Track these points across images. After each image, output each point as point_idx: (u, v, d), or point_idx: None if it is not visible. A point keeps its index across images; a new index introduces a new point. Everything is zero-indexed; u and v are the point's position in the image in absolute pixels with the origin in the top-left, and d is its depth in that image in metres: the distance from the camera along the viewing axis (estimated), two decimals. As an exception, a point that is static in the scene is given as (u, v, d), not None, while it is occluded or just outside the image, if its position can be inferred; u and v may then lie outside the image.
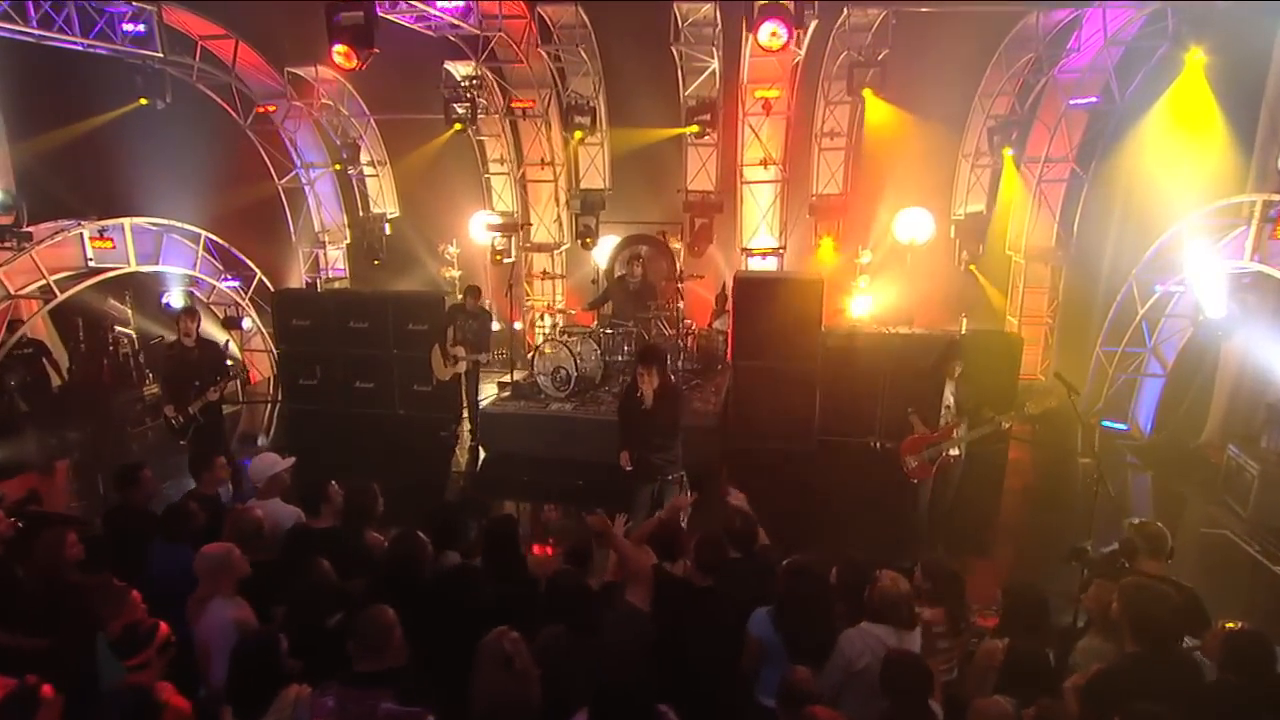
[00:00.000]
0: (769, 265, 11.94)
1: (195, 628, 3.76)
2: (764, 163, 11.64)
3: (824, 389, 9.15)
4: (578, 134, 12.35)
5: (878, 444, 9.04)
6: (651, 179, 12.72)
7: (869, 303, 12.09)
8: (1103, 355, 10.25)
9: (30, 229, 9.51)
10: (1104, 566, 4.12)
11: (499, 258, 13.53)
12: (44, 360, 10.86)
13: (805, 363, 9.00)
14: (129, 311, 11.90)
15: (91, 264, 10.61)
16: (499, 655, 3.23)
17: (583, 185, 13.26)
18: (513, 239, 13.55)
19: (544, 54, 12.14)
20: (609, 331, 10.09)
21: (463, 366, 9.61)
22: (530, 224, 13.54)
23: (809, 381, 9.10)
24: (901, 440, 6.72)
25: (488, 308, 10.30)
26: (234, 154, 12.76)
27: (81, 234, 10.43)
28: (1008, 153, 11.34)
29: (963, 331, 9.59)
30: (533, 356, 9.96)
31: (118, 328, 12.33)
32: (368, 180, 14.05)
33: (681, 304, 10.17)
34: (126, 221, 10.86)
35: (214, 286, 12.27)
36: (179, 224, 11.56)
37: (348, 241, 14.39)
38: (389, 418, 10.37)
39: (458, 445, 9.92)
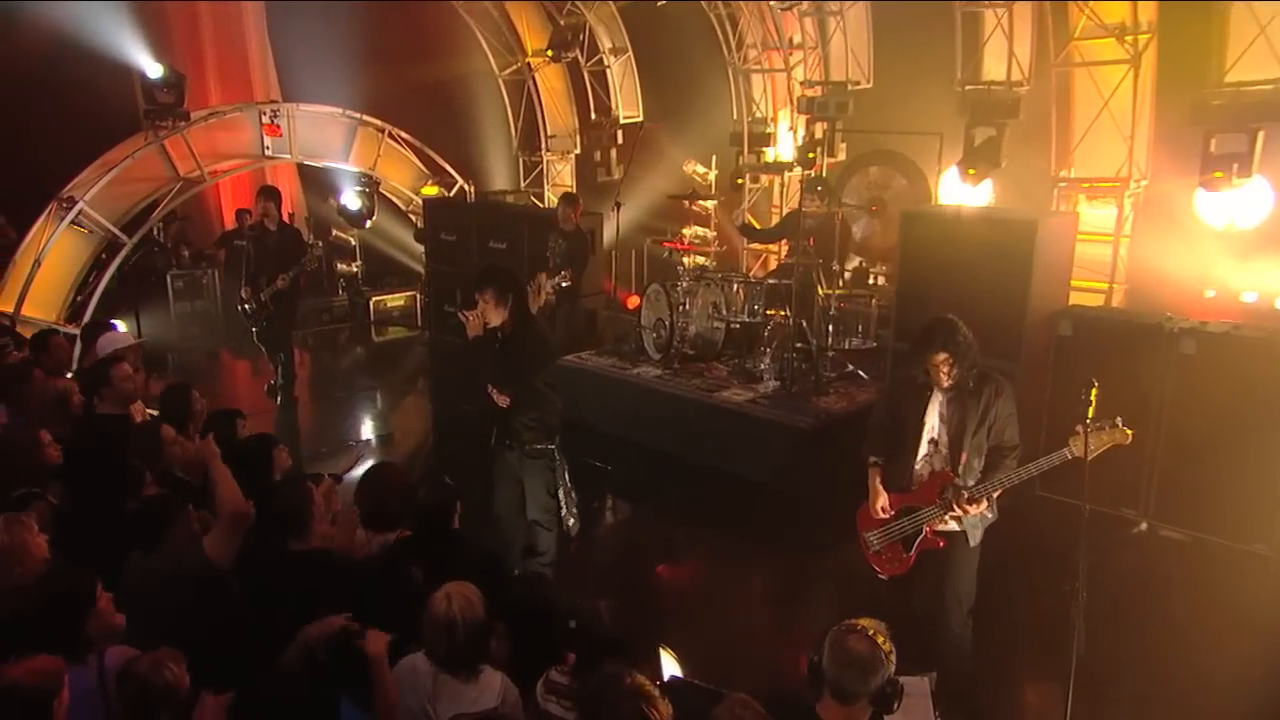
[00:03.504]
0: (1107, 212, 9.09)
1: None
2: (1120, 31, 8.64)
3: (1051, 408, 6.49)
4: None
5: (1145, 524, 6.40)
6: (917, 69, 10.27)
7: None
8: None
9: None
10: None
11: (740, 180, 12.31)
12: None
13: (999, 361, 6.35)
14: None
15: (268, 153, 11.56)
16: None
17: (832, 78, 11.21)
18: (738, 154, 12.16)
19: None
20: (751, 282, 8.68)
21: (544, 297, 9.08)
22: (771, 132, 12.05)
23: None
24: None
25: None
26: (438, 37, 13.09)
27: (258, 115, 11.37)
28: None
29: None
30: (642, 302, 9.01)
31: (336, 232, 13.59)
32: (606, 74, 13.44)
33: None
34: (297, 109, 11.70)
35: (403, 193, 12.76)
36: (358, 115, 12.09)
37: (577, 151, 14.09)
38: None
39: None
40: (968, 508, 4.32)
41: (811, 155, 10.73)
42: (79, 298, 9.94)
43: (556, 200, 9.74)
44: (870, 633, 3.01)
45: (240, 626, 3.68)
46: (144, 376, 6.11)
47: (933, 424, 4.51)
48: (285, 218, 10.13)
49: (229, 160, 11.37)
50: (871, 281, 9.20)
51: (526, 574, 5.44)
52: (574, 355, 8.99)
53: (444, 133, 13.07)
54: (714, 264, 9.52)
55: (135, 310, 9.69)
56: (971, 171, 9.53)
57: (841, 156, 10.85)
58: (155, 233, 11.30)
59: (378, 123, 12.34)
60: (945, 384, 4.43)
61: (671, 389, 8.06)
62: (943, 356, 4.35)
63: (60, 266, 9.79)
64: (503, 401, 5.46)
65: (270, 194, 8.94)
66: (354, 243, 13.54)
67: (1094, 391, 3.82)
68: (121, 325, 7.25)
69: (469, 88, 13.64)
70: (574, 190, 13.39)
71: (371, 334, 12.73)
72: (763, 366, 8.16)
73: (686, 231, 10.60)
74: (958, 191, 9.57)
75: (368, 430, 9.09)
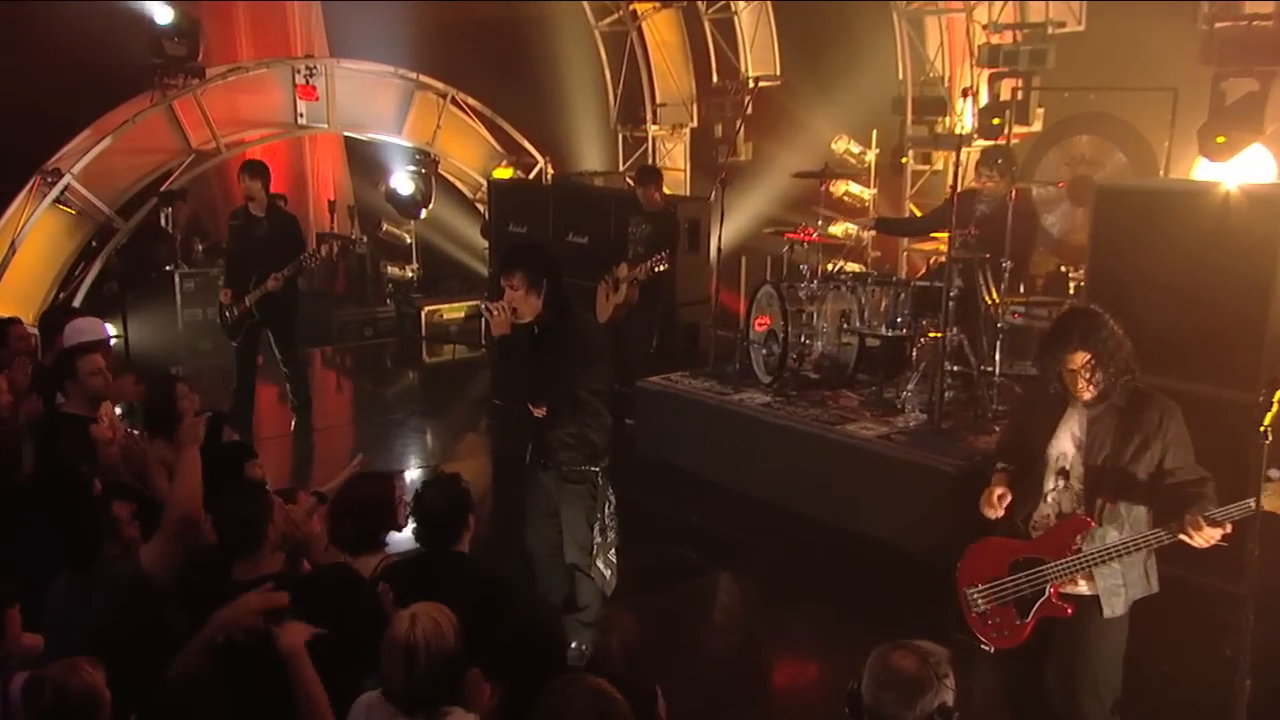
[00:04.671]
0: None
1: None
2: None
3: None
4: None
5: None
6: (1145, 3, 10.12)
7: None
8: None
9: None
10: None
11: (904, 159, 12.36)
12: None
13: (1231, 390, 6.21)
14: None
15: (302, 121, 12.28)
16: None
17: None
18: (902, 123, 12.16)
19: None
20: (894, 284, 8.68)
21: (622, 294, 9.52)
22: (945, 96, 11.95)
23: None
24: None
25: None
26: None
27: (291, 73, 12.10)
28: None
29: None
30: (750, 309, 9.19)
31: (386, 225, 14.26)
32: (733, 24, 13.65)
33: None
34: (338, 65, 12.39)
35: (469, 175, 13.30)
36: (415, 75, 12.66)
37: (693, 124, 14.32)
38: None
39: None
40: (1208, 532, 4.14)
41: (997, 122, 10.65)
42: (61, 294, 10.71)
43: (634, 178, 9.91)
44: (922, 651, 3.08)
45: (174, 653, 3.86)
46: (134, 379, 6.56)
47: (1063, 449, 4.48)
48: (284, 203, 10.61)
49: (253, 129, 12.13)
50: (1073, 291, 9.02)
51: (541, 616, 5.53)
52: (660, 377, 9.09)
53: (523, 100, 13.56)
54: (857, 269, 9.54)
55: (123, 313, 10.27)
56: (1221, 140, 9.22)
57: (1037, 126, 10.72)
58: (162, 219, 12.06)
59: (439, 85, 12.93)
60: (1086, 396, 4.38)
61: (781, 420, 8.10)
62: (1083, 358, 4.27)
63: (40, 254, 10.58)
64: (539, 411, 5.60)
65: (256, 171, 9.22)
66: (409, 239, 14.15)
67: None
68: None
69: (555, 43, 14.05)
70: (692, 171, 13.66)
71: (423, 353, 13.25)
72: (905, 394, 8.09)
73: (836, 229, 10.64)
74: (1202, 169, 9.29)
75: (408, 470, 9.37)
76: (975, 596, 4.64)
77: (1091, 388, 4.34)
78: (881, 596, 6.64)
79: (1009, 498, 4.56)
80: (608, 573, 5.72)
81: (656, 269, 9.20)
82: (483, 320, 12.94)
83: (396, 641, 3.43)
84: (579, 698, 3.12)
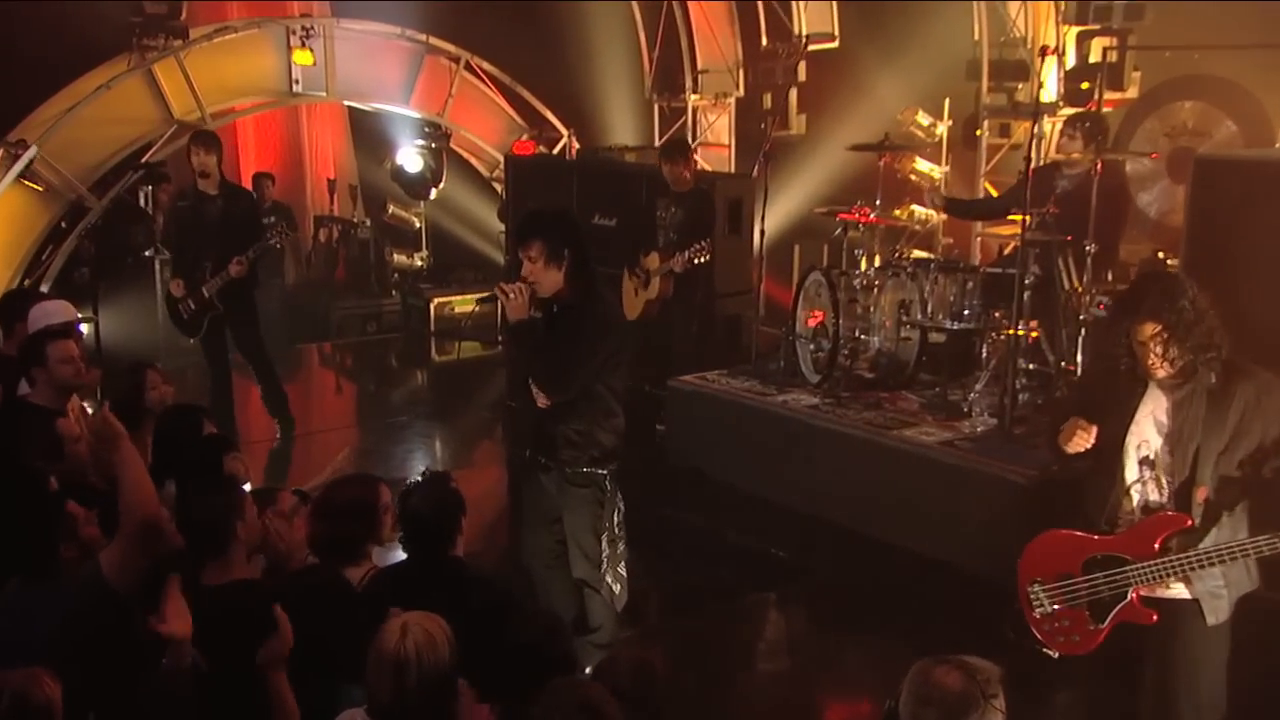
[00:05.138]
0: None
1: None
2: None
3: None
4: None
5: None
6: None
7: None
8: None
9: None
10: None
11: (979, 130, 12.40)
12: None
13: None
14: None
15: (297, 89, 12.30)
16: None
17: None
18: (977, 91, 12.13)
19: None
20: (960, 270, 8.56)
21: (654, 288, 9.46)
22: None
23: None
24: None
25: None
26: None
27: (285, 34, 12.10)
28: None
29: None
30: (796, 299, 9.19)
31: (393, 208, 14.31)
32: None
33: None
34: (338, 25, 12.42)
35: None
36: (424, 37, 12.74)
37: (738, 94, 14.25)
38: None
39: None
40: None
41: (1086, 86, 10.68)
42: (27, 280, 10.77)
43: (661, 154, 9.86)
44: (969, 667, 3.12)
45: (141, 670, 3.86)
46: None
47: (1145, 436, 4.51)
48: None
49: (243, 98, 12.20)
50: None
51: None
52: (693, 376, 9.09)
53: (546, 66, 13.57)
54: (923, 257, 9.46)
55: (94, 302, 10.28)
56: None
57: (1132, 91, 10.66)
58: (140, 198, 12.13)
59: (451, 49, 12.96)
60: (1159, 373, 4.39)
61: (830, 424, 8.10)
62: (1152, 329, 4.27)
63: (2, 236, 10.63)
64: (541, 401, 5.59)
65: (206, 142, 9.13)
66: (417, 223, 14.19)
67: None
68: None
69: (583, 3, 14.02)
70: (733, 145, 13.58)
71: (431, 350, 13.25)
72: (972, 396, 8.05)
73: (900, 212, 10.55)
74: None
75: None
76: (1041, 594, 4.69)
77: (1165, 364, 4.35)
78: (943, 624, 6.56)
79: (1090, 436, 4.56)
80: (617, 587, 5.71)
81: (696, 260, 9.11)
82: (497, 306, 13.11)
83: (385, 654, 3.47)
84: (566, 702, 3.21)
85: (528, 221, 5.62)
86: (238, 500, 4.30)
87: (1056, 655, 4.73)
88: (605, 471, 5.63)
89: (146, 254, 11.74)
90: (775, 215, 10.65)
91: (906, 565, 7.18)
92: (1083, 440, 4.58)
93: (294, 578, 4.52)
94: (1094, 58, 10.59)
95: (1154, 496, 4.54)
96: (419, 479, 4.77)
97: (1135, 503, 4.58)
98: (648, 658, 4.03)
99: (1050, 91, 11.28)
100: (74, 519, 4.25)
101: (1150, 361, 4.37)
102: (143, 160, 11.32)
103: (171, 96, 11.33)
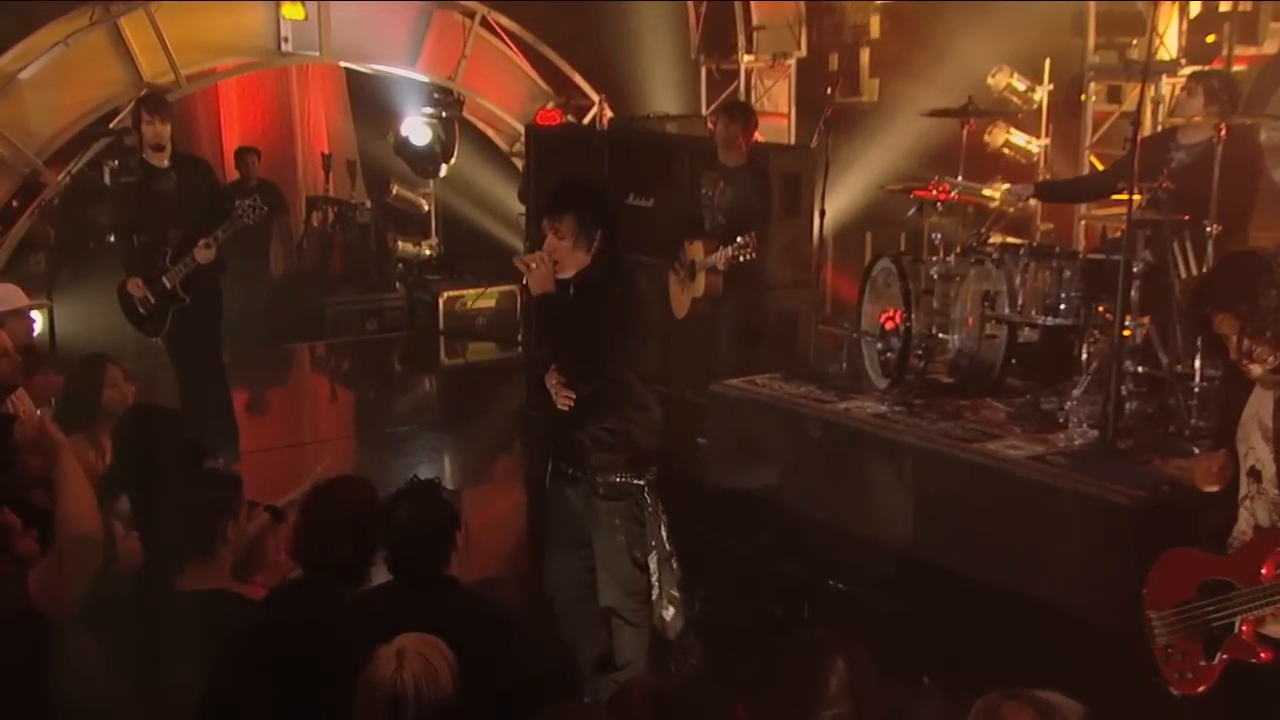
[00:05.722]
0: None
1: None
2: None
3: None
4: None
5: None
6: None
7: None
8: None
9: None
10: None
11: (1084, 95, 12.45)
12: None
13: None
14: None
15: (286, 47, 12.40)
16: None
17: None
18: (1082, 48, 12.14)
19: None
20: (1056, 256, 8.55)
21: (701, 286, 9.41)
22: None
23: None
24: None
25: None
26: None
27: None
28: None
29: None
30: (863, 291, 9.23)
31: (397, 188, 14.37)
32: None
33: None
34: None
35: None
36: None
37: (800, 54, 14.28)
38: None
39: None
40: None
41: (1212, 39, 10.74)
42: (-29, 267, 10.89)
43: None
44: (1043, 704, 3.23)
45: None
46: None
47: (1251, 443, 4.63)
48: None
49: (223, 57, 12.30)
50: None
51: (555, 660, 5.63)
52: (741, 379, 9.09)
53: (574, 22, 13.74)
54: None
55: (49, 290, 10.38)
56: None
57: (1270, 46, 10.66)
58: (105, 173, 12.19)
59: (465, 2, 12.97)
60: (1254, 371, 4.50)
61: (900, 435, 8.00)
62: (1230, 323, 4.43)
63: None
64: (562, 401, 5.69)
65: (155, 106, 9.09)
66: (425, 205, 14.23)
67: None
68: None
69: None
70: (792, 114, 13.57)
71: (440, 352, 13.31)
72: (1070, 404, 7.97)
73: (988, 191, 10.49)
74: None
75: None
76: (1156, 623, 4.85)
77: (1253, 363, 4.47)
78: (1028, 670, 6.53)
79: (1230, 470, 4.68)
80: (670, 611, 5.89)
81: (740, 258, 9.07)
82: (516, 302, 13.15)
83: (379, 685, 3.52)
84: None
85: (562, 192, 5.80)
86: (233, 499, 4.54)
87: (1179, 695, 4.80)
88: (642, 482, 5.76)
89: (111, 237, 11.75)
90: (843, 196, 10.59)
91: (987, 600, 7.13)
92: (1207, 483, 4.72)
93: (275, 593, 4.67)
94: (1223, 6, 10.67)
95: (1263, 516, 4.62)
96: (405, 488, 4.80)
97: (1246, 522, 4.68)
98: (663, 687, 4.17)
99: (1170, 48, 11.30)
100: (9, 529, 4.26)
101: (1236, 358, 4.52)
102: (109, 127, 11.42)
103: (140, 55, 11.47)
